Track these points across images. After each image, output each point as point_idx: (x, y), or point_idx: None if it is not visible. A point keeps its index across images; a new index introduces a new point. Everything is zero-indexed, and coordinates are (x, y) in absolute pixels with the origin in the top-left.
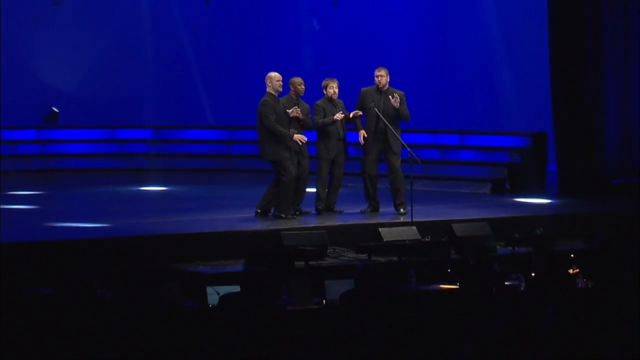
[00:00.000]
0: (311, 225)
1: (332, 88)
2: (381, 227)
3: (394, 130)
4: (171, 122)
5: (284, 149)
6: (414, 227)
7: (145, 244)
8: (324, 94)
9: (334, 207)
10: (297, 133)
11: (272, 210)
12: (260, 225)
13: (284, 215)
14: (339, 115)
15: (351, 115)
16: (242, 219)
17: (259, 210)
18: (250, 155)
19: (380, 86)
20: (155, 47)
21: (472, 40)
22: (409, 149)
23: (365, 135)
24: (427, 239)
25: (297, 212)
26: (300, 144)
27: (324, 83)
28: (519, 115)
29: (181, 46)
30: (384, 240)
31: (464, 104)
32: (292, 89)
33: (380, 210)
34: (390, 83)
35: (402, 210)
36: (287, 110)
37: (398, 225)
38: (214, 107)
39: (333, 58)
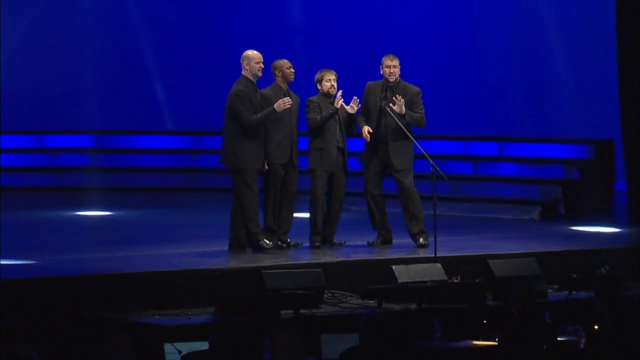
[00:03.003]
0: (303, 262)
1: (329, 81)
2: (395, 264)
3: (408, 133)
4: (117, 126)
5: (254, 156)
6: (439, 264)
7: (83, 287)
8: (318, 90)
9: (333, 239)
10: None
11: None
12: (235, 262)
13: (265, 245)
14: (342, 103)
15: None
16: (211, 253)
17: (234, 243)
18: (221, 169)
19: (390, 80)
20: (96, 29)
21: (514, 21)
22: (431, 162)
23: (371, 131)
24: (455, 280)
25: (283, 244)
26: (289, 105)
27: (317, 76)
28: (576, 118)
29: (131, 29)
30: (399, 281)
31: (503, 103)
32: (279, 74)
33: (394, 242)
34: (402, 76)
35: (422, 241)
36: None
37: (417, 262)
38: (174, 108)
39: (331, 46)
